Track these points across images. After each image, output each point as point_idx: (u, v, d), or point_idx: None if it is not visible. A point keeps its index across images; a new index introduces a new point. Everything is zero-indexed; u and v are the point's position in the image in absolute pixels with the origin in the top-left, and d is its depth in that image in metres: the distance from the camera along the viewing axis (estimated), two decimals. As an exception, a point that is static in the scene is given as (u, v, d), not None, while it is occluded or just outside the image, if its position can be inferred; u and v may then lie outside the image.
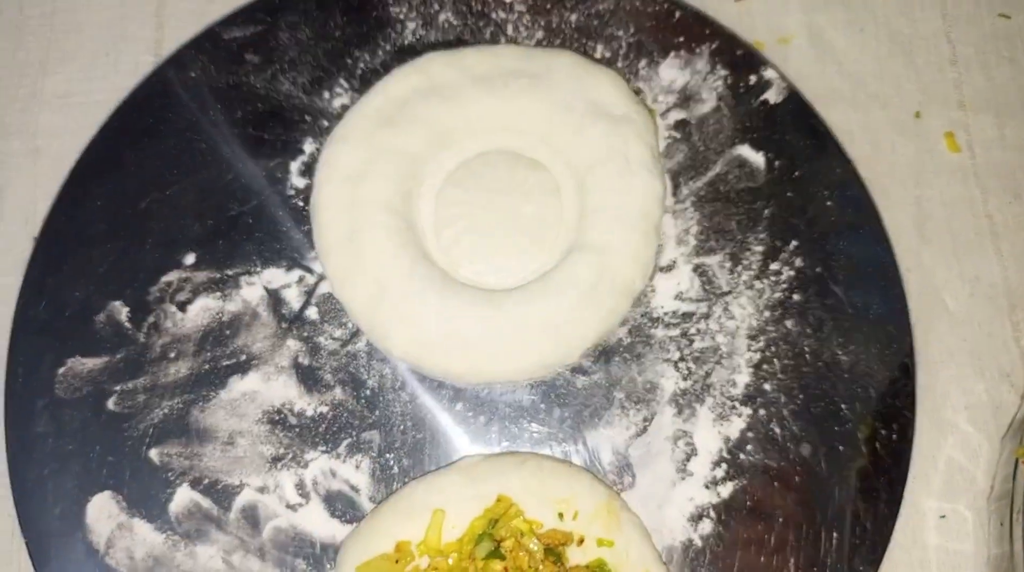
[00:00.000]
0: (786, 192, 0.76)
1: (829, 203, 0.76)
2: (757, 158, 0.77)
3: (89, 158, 0.76)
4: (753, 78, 0.79)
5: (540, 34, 0.79)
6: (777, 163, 0.77)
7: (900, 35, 0.85)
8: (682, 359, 0.73)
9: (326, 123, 0.77)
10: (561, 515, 0.65)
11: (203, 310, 0.73)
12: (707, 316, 0.74)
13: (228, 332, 0.72)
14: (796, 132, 0.77)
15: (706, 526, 0.69)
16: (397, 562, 0.63)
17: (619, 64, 0.79)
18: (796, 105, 0.78)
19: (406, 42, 0.79)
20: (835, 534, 0.68)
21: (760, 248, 0.75)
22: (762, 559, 0.68)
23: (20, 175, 0.79)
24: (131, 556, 0.67)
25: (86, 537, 0.68)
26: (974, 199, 0.81)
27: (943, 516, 0.72)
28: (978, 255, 0.79)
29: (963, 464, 0.74)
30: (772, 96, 0.78)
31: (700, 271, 0.75)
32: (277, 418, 0.71)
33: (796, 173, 0.76)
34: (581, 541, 0.65)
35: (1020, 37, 0.86)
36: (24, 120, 0.81)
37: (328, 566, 0.68)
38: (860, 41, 0.85)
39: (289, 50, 0.78)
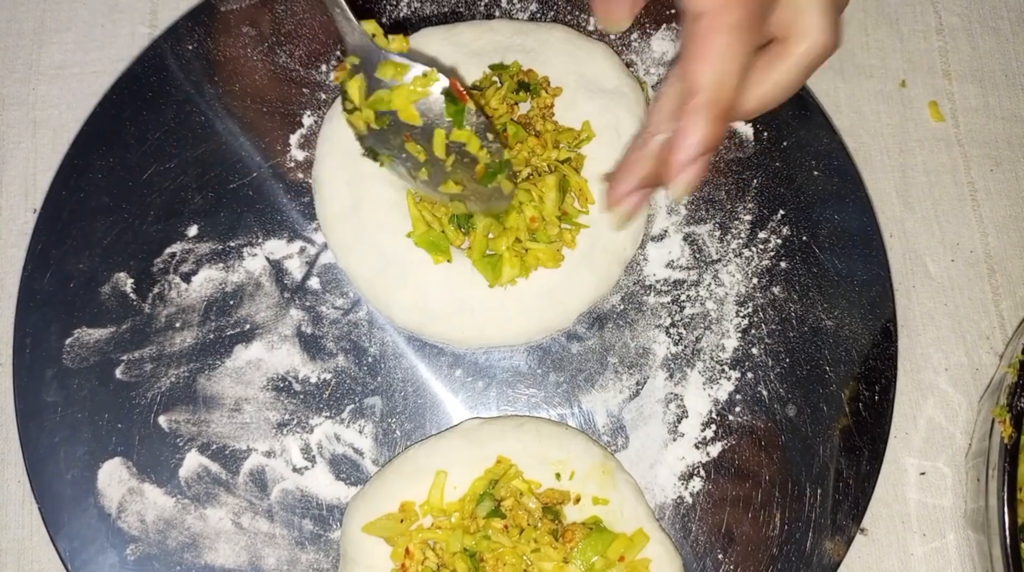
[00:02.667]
0: (774, 162, 0.78)
1: (816, 173, 0.78)
2: (746, 129, 0.79)
3: (89, 130, 0.77)
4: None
5: (534, 7, 0.80)
6: (765, 134, 0.78)
7: (887, 4, 0.86)
8: (673, 325, 0.75)
9: (324, 96, 0.78)
10: (558, 475, 0.68)
11: (207, 281, 0.74)
12: (697, 283, 0.76)
13: (232, 302, 0.74)
14: (784, 103, 0.78)
15: (696, 484, 0.72)
16: (402, 521, 0.65)
17: (611, 37, 0.80)
18: (784, 76, 0.79)
19: (402, 15, 0.79)
20: (819, 490, 0.71)
21: (748, 217, 0.77)
22: (749, 515, 0.71)
23: (19, 147, 0.80)
24: (142, 519, 0.70)
25: (98, 502, 0.70)
26: (957, 167, 0.83)
27: (923, 473, 0.75)
28: (960, 222, 0.81)
29: (942, 423, 0.77)
30: (761, 67, 0.80)
31: (690, 240, 0.77)
32: (282, 385, 0.73)
33: (784, 144, 0.78)
34: (577, 500, 0.67)
35: (1005, 6, 0.87)
36: (22, 91, 0.81)
37: (334, 526, 0.70)
38: (847, 10, 0.86)
39: (285, 22, 0.79)
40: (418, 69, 0.60)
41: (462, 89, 0.60)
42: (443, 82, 0.60)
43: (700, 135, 0.55)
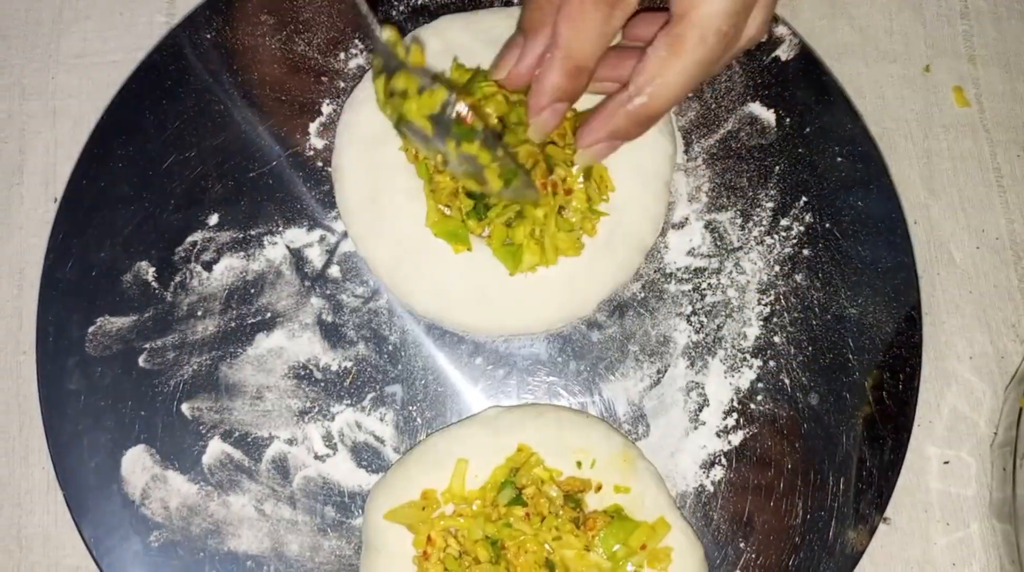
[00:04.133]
0: (796, 148, 0.77)
1: (839, 159, 0.77)
2: (768, 115, 0.78)
3: (108, 120, 0.77)
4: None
5: (554, -9, 0.79)
6: (788, 120, 0.78)
7: (911, -12, 0.85)
8: (694, 313, 0.75)
9: (343, 84, 0.77)
10: (579, 464, 0.68)
11: (228, 269, 0.74)
12: (718, 271, 0.75)
13: (253, 291, 0.74)
14: (807, 89, 0.78)
15: (717, 473, 0.72)
16: (424, 509, 0.65)
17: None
18: (807, 61, 0.79)
19: (419, 2, 0.79)
20: (842, 479, 0.71)
21: (770, 204, 0.76)
22: (771, 503, 0.71)
23: (39, 137, 0.80)
24: (166, 506, 0.70)
25: (122, 489, 0.70)
26: (982, 153, 0.82)
27: (947, 462, 0.75)
28: (985, 208, 0.80)
29: (966, 412, 0.76)
30: (783, 53, 0.79)
31: (711, 227, 0.76)
32: (303, 373, 0.73)
33: (806, 130, 0.77)
34: (598, 488, 0.67)
35: (1032, -11, 0.86)
36: (41, 81, 0.81)
37: (356, 513, 0.70)
38: (870, -5, 0.85)
39: (303, 10, 0.79)
40: (427, 82, 0.63)
41: (466, 112, 0.63)
42: (450, 100, 0.62)
43: (552, 82, 0.63)
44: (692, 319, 0.75)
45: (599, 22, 0.62)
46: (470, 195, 0.69)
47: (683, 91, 0.62)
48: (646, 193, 0.73)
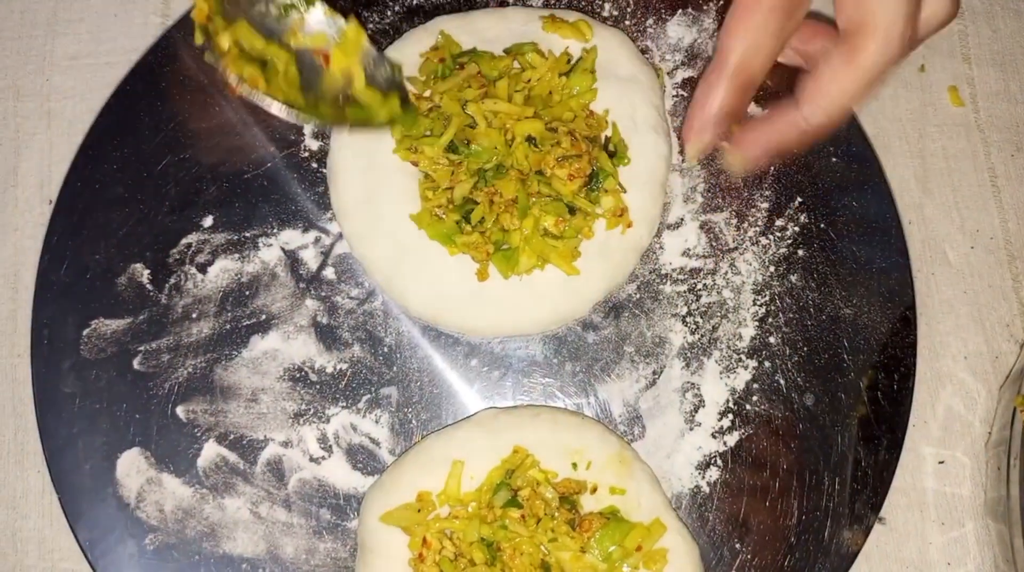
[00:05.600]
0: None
1: (833, 159, 0.77)
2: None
3: (103, 121, 0.77)
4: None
5: (548, -7, 0.79)
6: (783, 120, 0.78)
7: (906, -13, 0.85)
8: (690, 314, 0.75)
9: (338, 85, 0.77)
10: (575, 465, 0.68)
11: (223, 271, 0.74)
12: (714, 272, 0.75)
13: (248, 293, 0.74)
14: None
15: (713, 474, 0.72)
16: (419, 511, 0.65)
17: (627, 22, 0.79)
18: (802, 61, 0.79)
19: (415, 2, 0.79)
20: (837, 479, 0.71)
21: (766, 205, 0.77)
22: (767, 504, 0.71)
23: (34, 138, 0.80)
24: (161, 509, 0.70)
25: (117, 492, 0.70)
26: (976, 153, 0.82)
27: (941, 462, 0.75)
28: (979, 208, 0.81)
29: (961, 412, 0.76)
30: (778, 52, 0.79)
31: (707, 228, 0.76)
32: (298, 375, 0.73)
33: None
34: (594, 489, 0.67)
35: (1027, -12, 0.86)
36: (36, 82, 0.81)
37: (352, 515, 0.70)
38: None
39: (298, 11, 0.79)
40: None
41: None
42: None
43: (719, 98, 0.61)
44: (687, 320, 0.75)
45: (772, 34, 0.59)
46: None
47: (855, 103, 0.60)
48: (642, 194, 0.73)
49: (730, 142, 0.65)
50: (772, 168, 0.77)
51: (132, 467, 0.71)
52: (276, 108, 0.64)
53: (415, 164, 0.71)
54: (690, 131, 0.64)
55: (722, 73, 0.60)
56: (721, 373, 0.73)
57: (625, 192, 0.71)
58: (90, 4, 0.83)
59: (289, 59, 0.65)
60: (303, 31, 0.65)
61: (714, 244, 0.76)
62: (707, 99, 0.61)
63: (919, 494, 0.74)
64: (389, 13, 0.79)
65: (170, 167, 0.76)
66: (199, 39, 0.64)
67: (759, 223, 0.76)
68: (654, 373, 0.74)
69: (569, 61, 0.73)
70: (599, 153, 0.70)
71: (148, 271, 0.74)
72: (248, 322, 0.73)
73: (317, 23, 0.65)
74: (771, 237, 0.76)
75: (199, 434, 0.71)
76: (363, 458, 0.71)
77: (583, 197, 0.70)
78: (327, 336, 0.73)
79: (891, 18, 0.57)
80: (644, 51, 0.78)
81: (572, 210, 0.70)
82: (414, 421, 0.72)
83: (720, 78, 0.60)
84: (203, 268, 0.74)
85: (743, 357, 0.74)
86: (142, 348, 0.73)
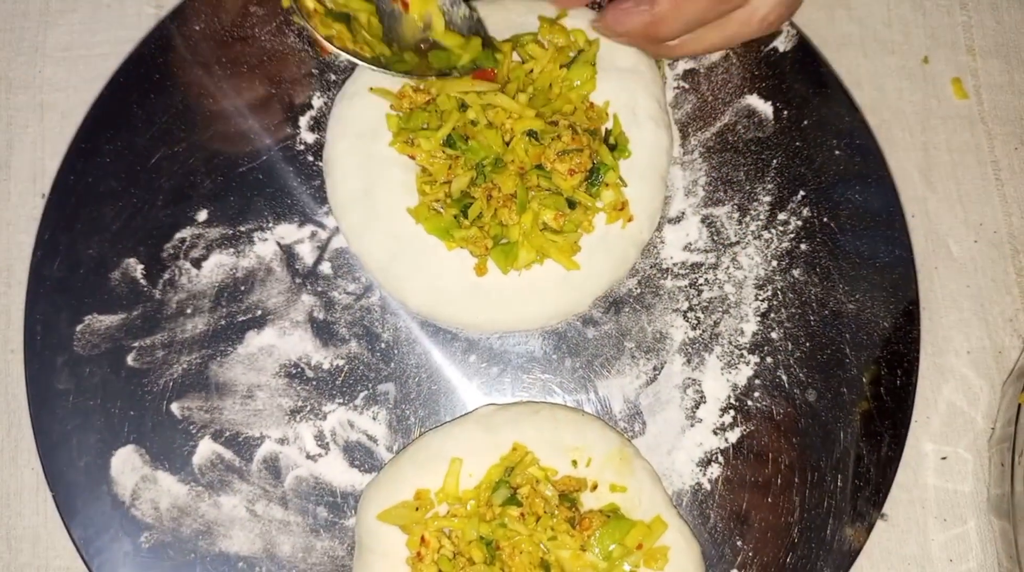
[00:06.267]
0: (794, 142, 0.76)
1: (837, 152, 0.76)
2: (765, 108, 0.77)
3: (96, 114, 0.76)
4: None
5: (548, -17, 0.78)
6: (785, 113, 0.77)
7: (909, -22, 0.84)
8: (691, 309, 0.74)
9: (333, 77, 0.76)
10: (575, 462, 0.67)
11: (217, 266, 0.73)
12: (715, 266, 0.75)
13: (243, 288, 0.73)
14: (804, 81, 0.77)
15: (714, 470, 0.71)
16: (417, 509, 0.65)
17: (627, 13, 0.78)
18: (805, 53, 0.78)
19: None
20: (839, 476, 0.71)
21: (768, 198, 0.76)
22: (768, 500, 0.70)
23: (27, 131, 0.79)
24: (156, 507, 0.69)
25: (111, 490, 0.70)
26: (980, 146, 0.81)
27: (944, 458, 0.74)
28: (983, 202, 0.80)
29: (964, 408, 0.75)
30: (781, 44, 0.78)
31: (708, 222, 0.75)
32: (294, 372, 0.72)
33: (804, 122, 0.77)
34: (594, 487, 0.67)
35: (1032, -22, 0.85)
36: (28, 74, 0.80)
37: (349, 513, 0.70)
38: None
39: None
40: None
41: None
42: None
43: (631, 22, 0.68)
44: (689, 315, 0.74)
45: (702, 9, 0.67)
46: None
47: (696, 19, 0.68)
48: (643, 187, 0.72)
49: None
50: (775, 161, 0.76)
51: (127, 464, 0.70)
52: (365, 64, 0.65)
53: (412, 158, 0.71)
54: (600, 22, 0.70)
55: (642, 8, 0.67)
56: (722, 369, 0.73)
57: (626, 186, 0.71)
58: (83, -6, 0.82)
59: (371, 9, 0.67)
60: None
61: (716, 238, 0.75)
62: (622, 13, 0.68)
63: (921, 490, 0.74)
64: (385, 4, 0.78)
65: (164, 160, 0.75)
66: (286, 2, 0.66)
67: (761, 217, 0.75)
68: (655, 369, 0.73)
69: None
70: (600, 146, 0.70)
71: (142, 266, 0.73)
72: (243, 318, 0.73)
73: None
74: (773, 231, 0.75)
75: (194, 431, 0.71)
76: (360, 455, 0.71)
77: (584, 191, 0.69)
78: (324, 332, 0.73)
79: None
80: (645, 42, 0.77)
81: (572, 204, 0.69)
82: (412, 418, 0.72)
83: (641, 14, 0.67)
84: (198, 263, 0.73)
85: (745, 353, 0.73)
86: (136, 344, 0.72)
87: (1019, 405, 0.68)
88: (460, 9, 0.67)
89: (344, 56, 0.65)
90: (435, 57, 0.68)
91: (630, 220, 0.71)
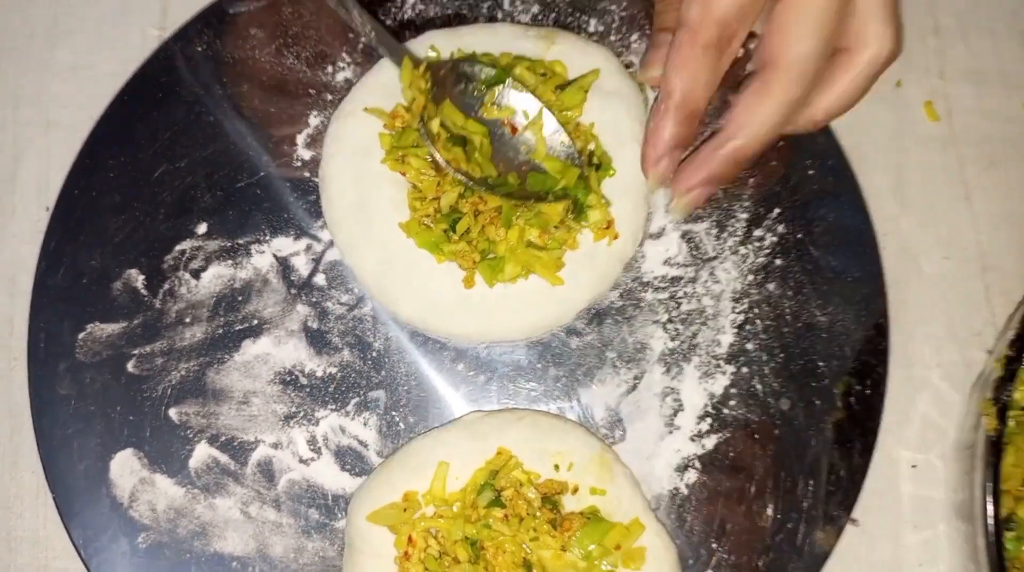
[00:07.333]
0: (770, 161, 0.79)
1: (811, 172, 0.79)
2: (742, 129, 0.80)
3: (101, 130, 0.78)
4: (741, 50, 0.81)
5: (536, 8, 0.81)
6: (762, 134, 0.80)
7: (884, 5, 0.87)
8: (670, 321, 0.77)
9: (330, 96, 0.79)
10: (557, 466, 0.69)
11: (216, 277, 0.76)
12: (694, 280, 0.77)
13: (240, 298, 0.76)
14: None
15: (691, 476, 0.74)
16: (405, 511, 0.67)
17: (612, 38, 0.81)
18: (781, 77, 0.81)
19: (406, 16, 0.81)
20: (811, 482, 0.73)
21: (745, 215, 0.79)
22: (743, 505, 0.73)
23: (33, 145, 0.81)
24: (153, 508, 0.72)
25: (110, 492, 0.72)
26: (951, 166, 0.83)
27: (915, 465, 0.77)
28: (954, 220, 0.82)
29: (935, 418, 0.77)
30: (758, 68, 0.81)
31: (688, 238, 0.78)
32: (288, 379, 0.74)
33: (780, 143, 0.79)
34: (575, 490, 0.69)
35: (1000, 8, 0.87)
36: (35, 90, 0.82)
37: (340, 515, 0.72)
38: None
39: (292, 25, 0.80)
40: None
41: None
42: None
43: (669, 131, 0.67)
44: (668, 327, 0.76)
45: (709, 68, 0.65)
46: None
47: (775, 131, 0.67)
48: (626, 205, 0.74)
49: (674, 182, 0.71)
50: (752, 179, 0.79)
51: (125, 468, 0.72)
52: (473, 184, 0.70)
53: (403, 174, 0.73)
54: (647, 162, 0.69)
55: (669, 106, 0.66)
56: (700, 378, 0.75)
57: (611, 205, 0.73)
58: (89, 15, 0.84)
59: (485, 131, 0.72)
60: (496, 103, 0.72)
61: (695, 253, 0.78)
62: (658, 131, 0.67)
63: (894, 497, 0.76)
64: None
65: (165, 175, 0.78)
66: (415, 126, 0.72)
67: (738, 233, 0.78)
68: (635, 378, 0.75)
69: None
70: (579, 188, 0.72)
71: (143, 276, 0.76)
72: (240, 327, 0.75)
73: (509, 95, 0.72)
74: (750, 247, 0.78)
75: (191, 436, 0.73)
76: (351, 460, 0.73)
77: (570, 219, 0.72)
78: (317, 341, 0.75)
79: (799, 55, 0.64)
80: (628, 66, 0.80)
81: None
82: (401, 424, 0.74)
83: (668, 111, 0.66)
84: (197, 274, 0.76)
85: (721, 363, 0.76)
86: (136, 352, 0.74)
87: (979, 412, 0.70)
88: (561, 137, 0.72)
89: (458, 177, 0.70)
90: (533, 179, 0.72)
91: (616, 238, 0.73)
